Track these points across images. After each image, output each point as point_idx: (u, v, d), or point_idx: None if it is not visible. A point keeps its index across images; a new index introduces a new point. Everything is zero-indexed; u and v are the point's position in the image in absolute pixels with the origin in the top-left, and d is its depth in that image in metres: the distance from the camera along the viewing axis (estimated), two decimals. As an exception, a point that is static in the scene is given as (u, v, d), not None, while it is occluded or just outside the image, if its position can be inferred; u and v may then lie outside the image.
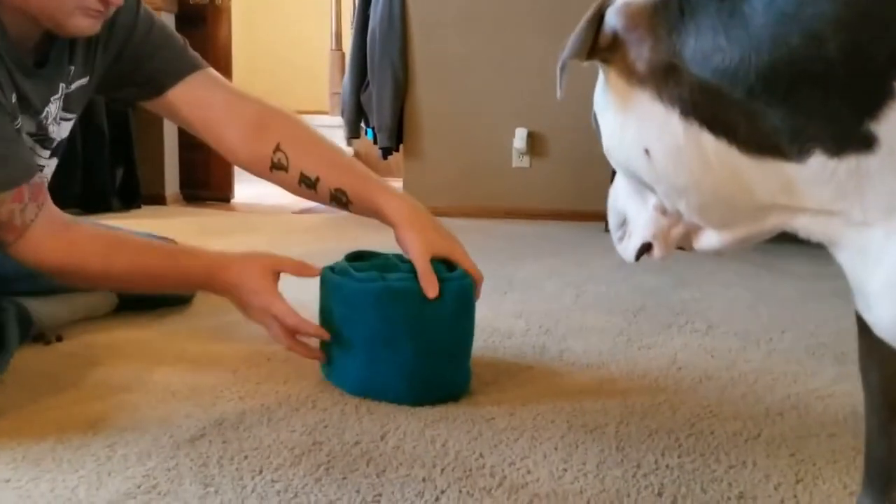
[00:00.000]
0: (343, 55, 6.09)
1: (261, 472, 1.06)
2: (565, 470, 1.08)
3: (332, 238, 3.16)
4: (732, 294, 2.16)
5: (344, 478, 1.04)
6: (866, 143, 0.61)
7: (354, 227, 3.55)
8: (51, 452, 1.10)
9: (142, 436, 1.16)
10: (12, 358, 1.40)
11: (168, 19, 4.16)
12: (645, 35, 0.69)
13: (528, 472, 1.07)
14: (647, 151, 0.71)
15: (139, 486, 1.01)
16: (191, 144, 4.37)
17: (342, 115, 4.17)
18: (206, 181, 4.50)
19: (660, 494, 1.01)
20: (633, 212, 0.82)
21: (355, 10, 4.09)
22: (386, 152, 3.98)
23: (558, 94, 0.74)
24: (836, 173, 0.63)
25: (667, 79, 0.68)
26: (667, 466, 1.09)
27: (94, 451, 1.11)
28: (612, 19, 0.71)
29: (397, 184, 4.66)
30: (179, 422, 1.22)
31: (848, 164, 0.62)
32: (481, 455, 1.12)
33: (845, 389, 1.41)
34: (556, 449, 1.15)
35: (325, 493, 1.00)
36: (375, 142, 3.97)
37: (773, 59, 0.62)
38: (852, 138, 0.61)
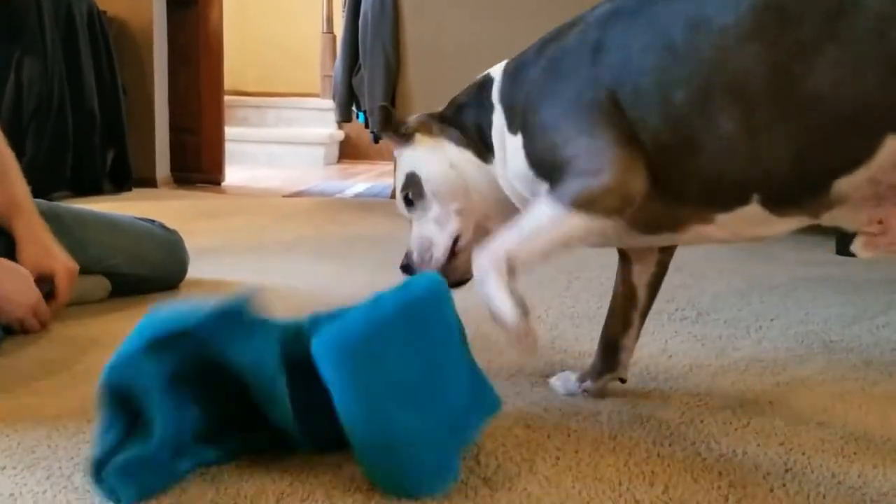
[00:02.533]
0: (334, 38, 6.07)
1: (256, 459, 1.06)
2: (558, 458, 1.09)
3: (323, 221, 3.15)
4: (724, 281, 2.17)
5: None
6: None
7: (345, 211, 3.56)
8: (46, 439, 1.11)
9: (136, 423, 1.17)
10: (3, 341, 1.40)
11: (159, 3, 4.14)
12: None
13: (522, 460, 1.08)
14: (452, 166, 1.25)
15: (135, 474, 1.01)
16: (182, 128, 4.36)
17: (333, 99, 4.16)
18: (196, 164, 4.48)
19: (651, 484, 1.02)
20: (435, 231, 1.24)
21: (347, -8, 4.08)
22: (377, 136, 3.97)
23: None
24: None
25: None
26: (658, 455, 1.10)
27: (90, 438, 1.11)
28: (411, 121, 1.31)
29: (389, 167, 4.66)
30: (174, 409, 1.22)
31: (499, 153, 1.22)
32: (475, 444, 1.13)
33: (834, 377, 1.43)
34: (548, 437, 1.16)
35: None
36: (367, 125, 3.97)
37: None
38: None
